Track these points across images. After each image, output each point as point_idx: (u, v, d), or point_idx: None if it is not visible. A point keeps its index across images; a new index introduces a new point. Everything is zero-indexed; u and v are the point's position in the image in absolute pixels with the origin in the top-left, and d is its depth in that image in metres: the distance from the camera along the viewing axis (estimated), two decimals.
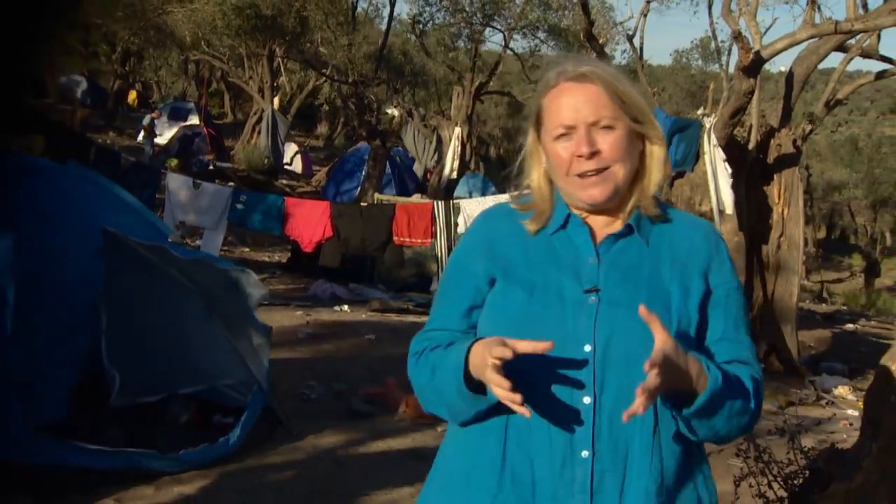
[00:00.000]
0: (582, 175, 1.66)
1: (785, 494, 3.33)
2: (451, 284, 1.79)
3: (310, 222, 10.69)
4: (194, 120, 22.96)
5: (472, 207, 10.57)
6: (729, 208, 8.71)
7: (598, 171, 1.66)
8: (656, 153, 1.72)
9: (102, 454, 4.46)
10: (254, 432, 5.11)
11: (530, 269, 1.68)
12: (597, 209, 1.71)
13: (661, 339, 1.51)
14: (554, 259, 1.69)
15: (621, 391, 1.57)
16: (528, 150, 1.78)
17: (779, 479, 3.45)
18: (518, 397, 1.49)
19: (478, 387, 1.60)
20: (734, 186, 9.05)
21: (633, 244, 1.70)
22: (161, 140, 21.81)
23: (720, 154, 8.67)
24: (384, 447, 5.44)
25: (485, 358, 1.53)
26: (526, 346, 1.52)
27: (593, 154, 1.65)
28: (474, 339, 1.63)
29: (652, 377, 1.46)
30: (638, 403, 1.46)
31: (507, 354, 1.49)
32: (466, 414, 1.66)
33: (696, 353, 1.60)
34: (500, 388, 1.50)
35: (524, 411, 1.50)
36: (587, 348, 1.59)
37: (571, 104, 1.67)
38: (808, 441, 4.80)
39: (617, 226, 1.71)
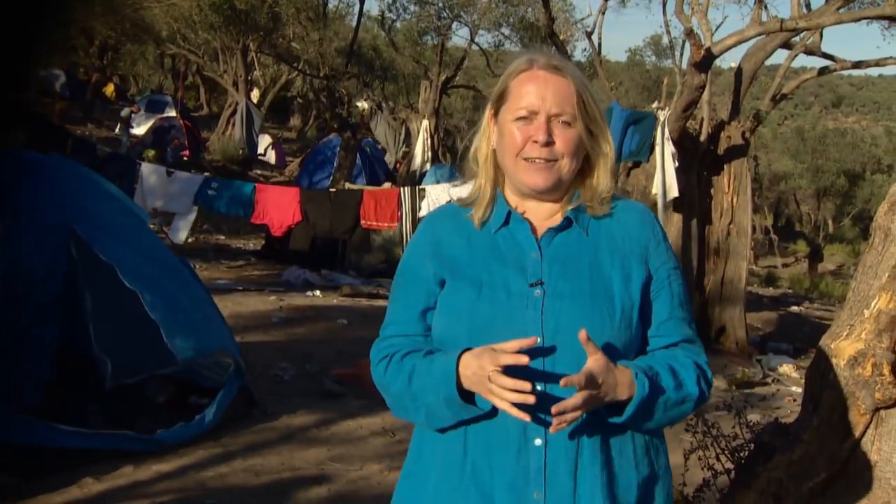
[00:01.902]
0: (530, 160, 1.70)
1: (731, 466, 3.37)
2: (403, 289, 1.80)
3: (279, 207, 10.74)
4: (171, 112, 22.72)
5: (436, 193, 10.68)
6: (672, 194, 8.99)
7: (547, 161, 1.70)
8: (603, 161, 1.76)
9: (82, 435, 4.54)
10: (229, 412, 5.18)
11: (476, 267, 1.71)
12: (537, 197, 1.75)
13: (592, 360, 1.56)
14: (498, 255, 1.72)
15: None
16: (481, 127, 1.81)
17: (726, 451, 3.52)
18: (525, 416, 1.54)
19: (468, 398, 1.62)
20: (687, 176, 9.34)
21: (573, 235, 1.73)
22: (138, 131, 21.69)
23: (669, 146, 8.95)
24: (355, 426, 5.52)
25: (481, 369, 1.57)
26: (513, 345, 1.56)
27: (547, 144, 1.68)
28: (463, 349, 1.63)
29: (575, 397, 1.53)
30: (555, 423, 1.53)
31: (509, 361, 1.54)
32: (448, 421, 1.67)
33: (625, 361, 1.65)
34: (502, 399, 1.54)
35: (524, 416, 1.55)
36: (536, 340, 1.60)
37: (539, 91, 1.69)
38: (754, 416, 5.03)
39: (557, 219, 1.74)
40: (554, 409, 1.53)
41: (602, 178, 1.76)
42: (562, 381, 1.54)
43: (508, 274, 1.69)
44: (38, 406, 4.49)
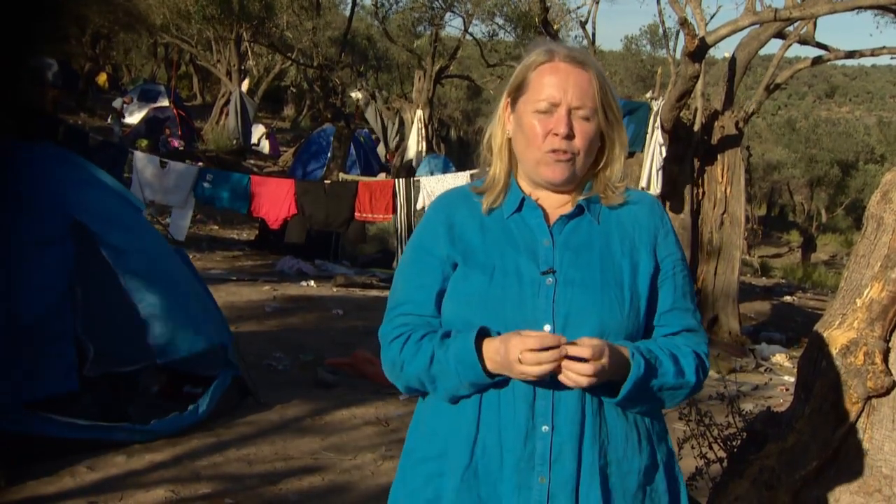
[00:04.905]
0: (554, 151, 1.70)
1: (724, 455, 3.38)
2: (417, 267, 1.80)
3: (275, 200, 10.73)
4: (164, 102, 22.68)
5: (432, 185, 10.68)
6: (654, 188, 9.01)
7: (565, 152, 1.70)
8: (616, 154, 1.78)
9: (76, 426, 4.52)
10: (223, 402, 5.20)
11: (488, 253, 1.72)
12: (551, 188, 1.76)
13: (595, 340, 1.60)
14: (511, 241, 1.73)
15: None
16: (496, 116, 1.82)
17: (719, 440, 3.53)
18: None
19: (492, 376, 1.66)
20: (681, 166, 9.36)
21: (584, 223, 1.75)
22: (130, 121, 21.69)
23: (659, 137, 8.96)
24: (348, 415, 5.53)
25: (509, 355, 1.59)
26: (537, 335, 1.60)
27: (568, 136, 1.69)
28: (478, 333, 1.66)
29: (588, 356, 1.57)
30: (569, 367, 1.58)
31: (535, 344, 1.58)
32: (468, 392, 1.70)
33: (622, 341, 1.67)
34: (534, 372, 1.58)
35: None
36: (547, 328, 1.65)
37: (561, 83, 1.70)
38: (747, 405, 5.03)
39: (569, 207, 1.76)
40: (571, 352, 1.58)
41: (615, 169, 1.78)
42: (582, 341, 1.59)
43: (521, 260, 1.70)
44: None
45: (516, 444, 1.65)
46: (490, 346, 1.64)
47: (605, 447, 1.66)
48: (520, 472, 1.64)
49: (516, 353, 1.58)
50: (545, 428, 1.64)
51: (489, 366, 1.64)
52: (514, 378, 1.64)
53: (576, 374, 1.58)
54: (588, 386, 1.60)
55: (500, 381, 1.67)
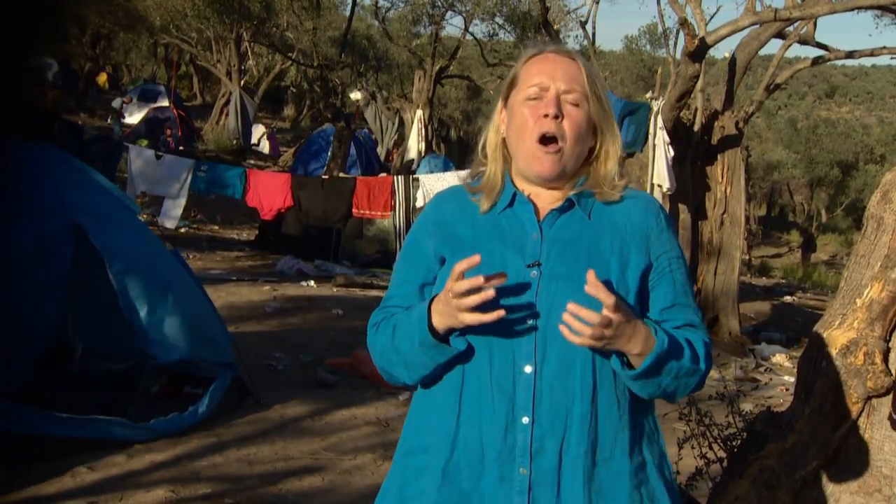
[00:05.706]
0: (542, 140, 1.71)
1: (724, 455, 3.39)
2: (404, 264, 1.85)
3: (270, 190, 10.74)
4: (164, 102, 22.72)
5: (431, 183, 10.69)
6: (665, 184, 9.01)
7: (556, 142, 1.71)
8: (611, 150, 1.78)
9: (74, 422, 4.52)
10: (223, 402, 5.20)
11: (477, 247, 1.71)
12: (542, 184, 1.77)
13: (611, 298, 1.57)
14: (500, 235, 1.74)
15: (561, 360, 1.64)
16: (492, 120, 1.84)
17: (719, 440, 3.53)
18: (500, 312, 1.59)
19: (441, 339, 1.68)
20: (681, 166, 9.35)
21: (575, 218, 1.74)
22: (130, 121, 21.74)
23: (664, 136, 8.96)
24: (348, 416, 5.54)
25: (446, 304, 1.63)
26: (462, 265, 1.60)
27: (557, 116, 1.70)
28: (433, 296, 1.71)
29: (603, 311, 1.55)
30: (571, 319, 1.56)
31: (465, 267, 1.59)
32: (426, 367, 1.72)
33: (646, 319, 1.68)
34: (468, 307, 1.59)
35: (499, 313, 1.59)
36: (529, 321, 1.66)
37: (550, 70, 1.74)
38: (747, 405, 5.04)
39: (560, 202, 1.76)
40: (573, 309, 1.57)
41: (609, 166, 1.78)
42: (588, 287, 1.56)
43: (507, 254, 1.71)
44: (27, 384, 4.49)
45: (496, 438, 1.65)
46: (433, 302, 1.69)
47: (593, 445, 1.65)
48: (501, 465, 1.65)
49: (450, 285, 1.61)
50: (525, 419, 1.64)
51: (435, 319, 1.67)
52: (459, 325, 1.64)
53: (578, 323, 1.56)
54: (590, 343, 1.58)
55: (455, 370, 1.70)
